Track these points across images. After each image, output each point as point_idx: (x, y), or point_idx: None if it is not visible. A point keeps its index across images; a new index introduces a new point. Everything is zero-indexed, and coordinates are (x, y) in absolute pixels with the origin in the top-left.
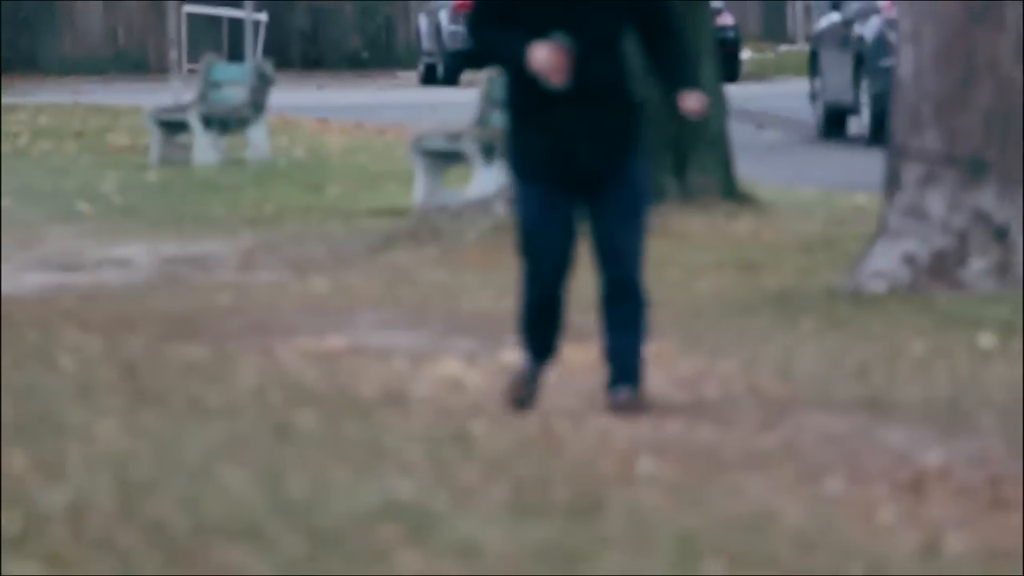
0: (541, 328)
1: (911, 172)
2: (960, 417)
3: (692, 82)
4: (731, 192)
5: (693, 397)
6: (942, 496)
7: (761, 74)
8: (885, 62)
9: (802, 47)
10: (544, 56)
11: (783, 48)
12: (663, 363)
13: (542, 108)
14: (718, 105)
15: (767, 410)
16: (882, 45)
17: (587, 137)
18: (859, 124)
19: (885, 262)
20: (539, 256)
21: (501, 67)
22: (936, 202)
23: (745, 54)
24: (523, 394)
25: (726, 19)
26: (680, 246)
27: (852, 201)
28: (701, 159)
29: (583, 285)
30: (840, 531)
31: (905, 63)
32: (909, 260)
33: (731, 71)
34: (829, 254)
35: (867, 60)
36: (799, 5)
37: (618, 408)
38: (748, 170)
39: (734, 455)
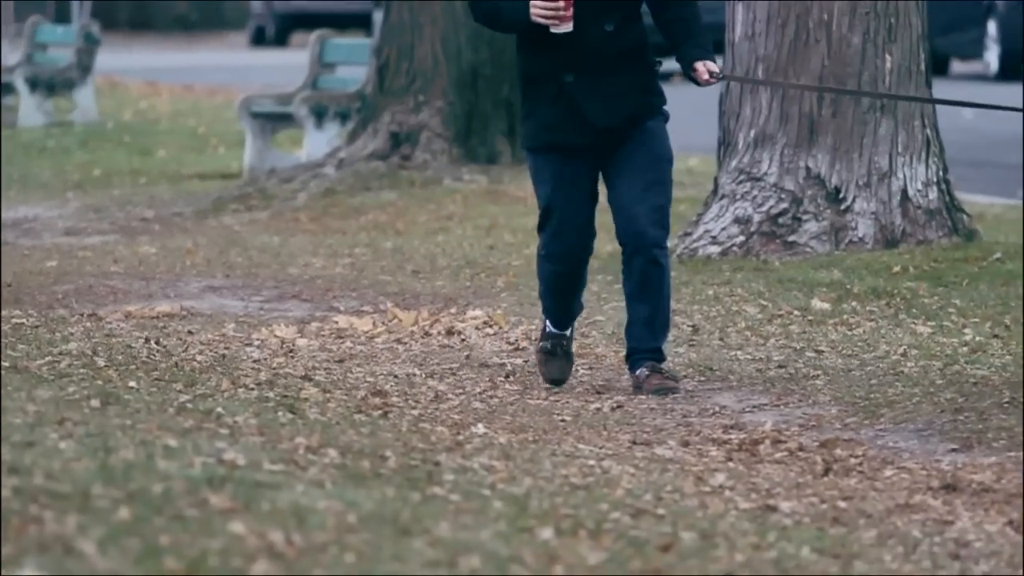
0: (564, 300)
1: (744, 134)
2: (793, 381)
3: (706, 52)
4: None
5: (526, 362)
6: (775, 460)
7: None
8: None
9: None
10: (542, 3)
11: None
12: (497, 329)
13: (552, 76)
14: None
15: (600, 374)
16: None
17: (600, 100)
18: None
19: (718, 225)
20: (560, 230)
21: (508, 33)
22: (769, 164)
23: None
24: (557, 373)
25: None
26: (513, 210)
27: (686, 164)
28: None
29: (402, 244)
30: (673, 496)
31: (738, 25)
32: (742, 223)
33: None
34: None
35: None
36: None
37: (643, 383)
38: None
39: (567, 420)
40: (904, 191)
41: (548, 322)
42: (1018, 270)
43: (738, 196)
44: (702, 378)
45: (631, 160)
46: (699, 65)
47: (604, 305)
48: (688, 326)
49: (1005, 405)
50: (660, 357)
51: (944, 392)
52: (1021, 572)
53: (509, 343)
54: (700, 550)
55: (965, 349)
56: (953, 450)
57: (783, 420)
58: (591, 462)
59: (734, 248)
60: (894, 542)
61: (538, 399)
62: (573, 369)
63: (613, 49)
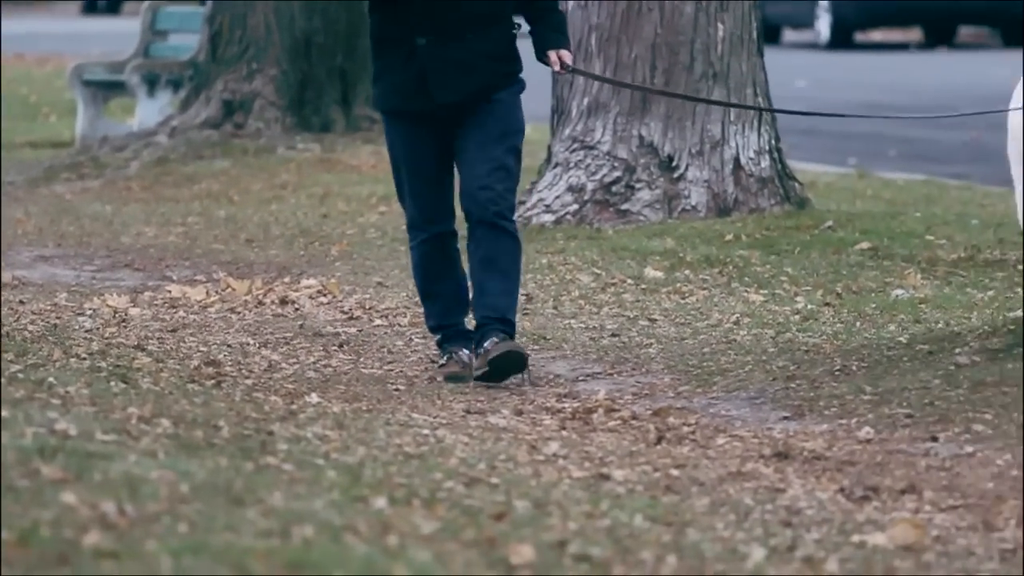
0: (440, 285)
1: (577, 103)
2: (626, 350)
3: (561, 38)
4: None
5: (360, 331)
6: (608, 429)
7: None
8: None
9: None
10: None
11: None
12: (331, 297)
13: (405, 38)
14: None
15: (434, 344)
16: None
17: (450, 71)
18: None
19: (552, 193)
20: (416, 192)
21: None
22: (602, 133)
23: None
24: (458, 369)
25: None
26: (347, 178)
27: None
28: (368, 90)
29: (236, 213)
30: (507, 465)
31: None
32: (576, 191)
33: None
34: None
35: None
36: None
37: (493, 349)
38: None
39: (401, 389)
40: (736, 159)
41: (442, 351)
42: (849, 238)
43: (571, 164)
44: (536, 347)
45: (478, 133)
46: (552, 54)
47: None
48: (522, 295)
49: (836, 373)
50: (511, 332)
51: (776, 360)
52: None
53: (343, 312)
54: (533, 519)
55: (797, 317)
56: (785, 418)
57: (616, 389)
58: (425, 431)
59: (568, 216)
60: (726, 510)
61: (372, 368)
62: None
63: (470, 11)
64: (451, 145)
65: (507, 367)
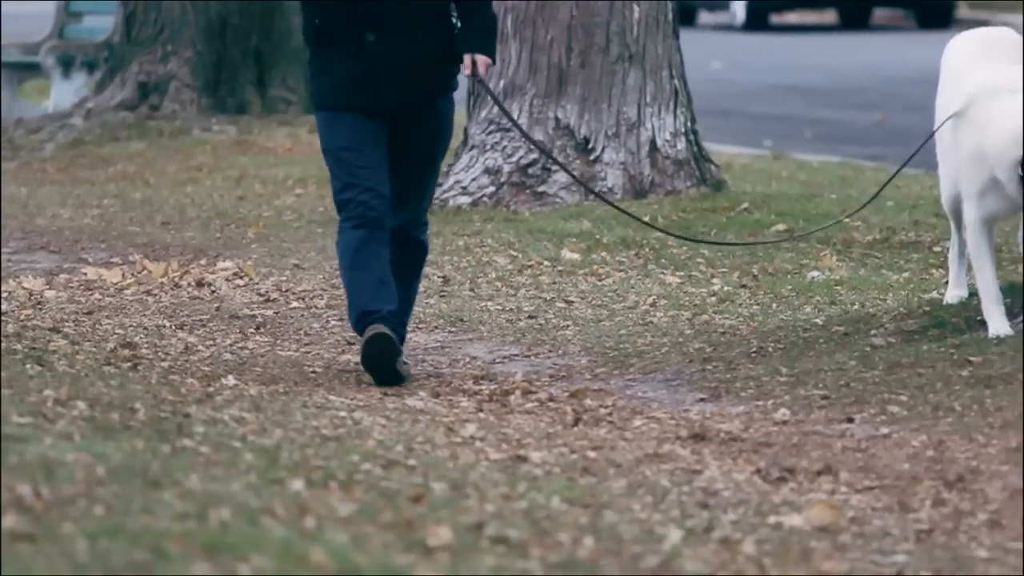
0: (368, 271)
1: (493, 85)
2: (543, 332)
3: (483, 42)
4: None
5: (277, 313)
6: (525, 411)
7: None
8: None
9: None
10: None
11: None
12: (247, 280)
13: (352, 33)
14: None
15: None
16: None
17: (398, 73)
18: None
19: (469, 175)
20: (356, 177)
21: None
22: (519, 115)
23: None
24: (384, 363)
25: None
26: (263, 161)
27: None
28: (284, 72)
29: (152, 195)
30: (424, 447)
31: None
32: (492, 173)
33: None
34: None
35: None
36: None
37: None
38: None
39: (318, 371)
40: (653, 141)
41: (364, 323)
42: (765, 220)
43: (488, 147)
44: (453, 329)
45: (417, 141)
46: (467, 58)
47: None
48: (439, 277)
49: (753, 355)
50: (403, 334)
51: (693, 342)
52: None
53: (259, 294)
54: (451, 500)
55: (713, 299)
56: (701, 399)
57: (533, 370)
58: (342, 413)
59: (484, 199)
60: (643, 491)
61: (289, 351)
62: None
63: (416, 10)
64: (389, 133)
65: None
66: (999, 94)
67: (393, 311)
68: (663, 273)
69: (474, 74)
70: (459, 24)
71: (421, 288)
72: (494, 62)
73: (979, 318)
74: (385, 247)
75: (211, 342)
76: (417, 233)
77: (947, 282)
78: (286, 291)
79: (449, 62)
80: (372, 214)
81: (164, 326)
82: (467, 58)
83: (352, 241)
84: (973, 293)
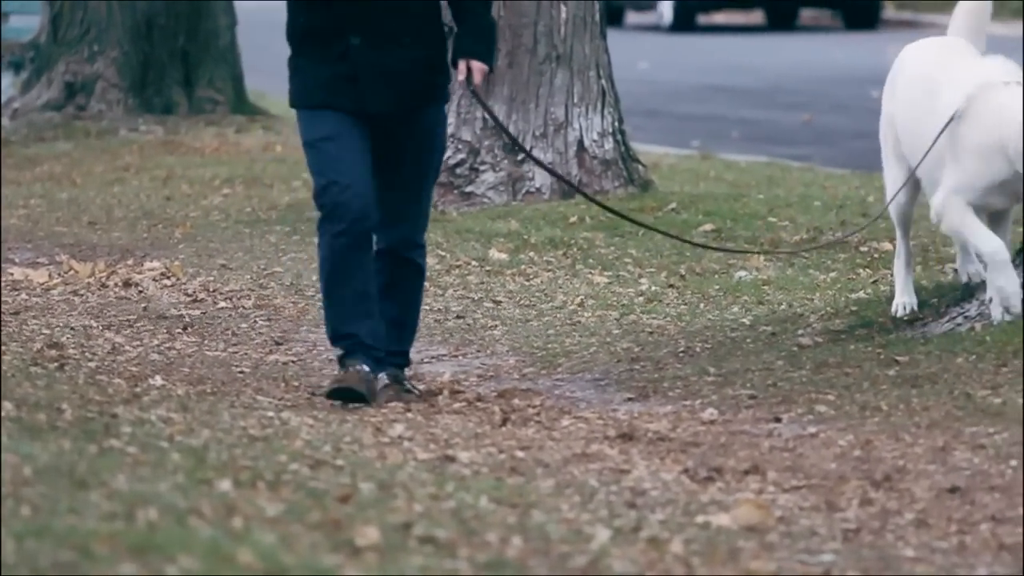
0: (349, 287)
1: None
2: (471, 332)
3: (479, 48)
4: (242, 105)
5: (204, 313)
6: (453, 411)
7: None
8: None
9: None
10: None
11: None
12: (174, 280)
13: (337, 34)
14: (228, 16)
15: (279, 326)
16: None
17: (384, 78)
18: None
19: None
20: (338, 181)
21: None
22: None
23: None
24: (358, 386)
25: None
26: (190, 161)
27: None
28: (210, 72)
29: (78, 195)
30: (352, 447)
31: None
32: None
33: None
34: None
35: None
36: None
37: (379, 394)
38: (259, 83)
39: (246, 371)
40: (580, 142)
41: (339, 346)
42: (693, 220)
43: None
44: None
45: (405, 153)
46: (462, 64)
47: (282, 256)
48: None
49: (680, 354)
50: (405, 362)
51: (620, 342)
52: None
53: (187, 294)
54: (379, 500)
55: (641, 299)
56: (629, 399)
57: (461, 370)
58: (270, 413)
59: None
60: (571, 491)
61: (216, 351)
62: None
63: (404, 13)
64: (375, 143)
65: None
66: (1009, 86)
67: (371, 331)
68: (591, 273)
69: (468, 82)
70: (455, 28)
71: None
72: (492, 70)
73: (906, 318)
74: (367, 254)
75: (138, 342)
76: (413, 255)
77: (876, 282)
78: (213, 291)
79: (438, 71)
80: (352, 216)
81: (91, 326)
82: (462, 64)
83: (331, 251)
84: (923, 302)
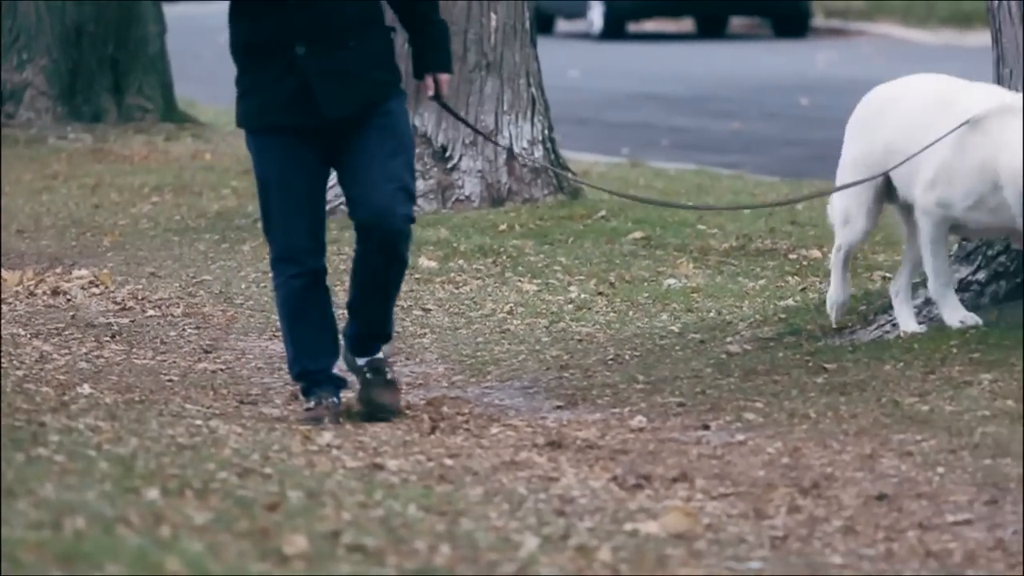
0: (309, 326)
1: None
2: (400, 339)
3: (442, 59)
4: (171, 113)
5: (132, 321)
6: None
7: None
8: None
9: None
10: None
11: None
12: (103, 288)
13: (280, 46)
14: (158, 24)
15: (208, 334)
16: None
17: (334, 80)
18: None
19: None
20: (288, 217)
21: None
22: None
23: None
24: (330, 419)
25: None
26: (119, 169)
27: None
28: (140, 80)
29: (7, 204)
30: (280, 455)
31: None
32: None
33: None
34: None
35: None
36: None
37: (371, 400)
38: (189, 90)
39: (174, 379)
40: (510, 149)
41: (300, 386)
42: (622, 227)
43: None
44: None
45: (373, 148)
46: (428, 79)
47: (212, 264)
48: None
49: (609, 362)
50: (388, 337)
51: (550, 349)
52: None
53: (115, 303)
54: (307, 509)
55: (570, 307)
56: (558, 407)
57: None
58: (198, 422)
59: (341, 206)
60: (500, 499)
61: (145, 359)
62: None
63: (348, 16)
64: (330, 163)
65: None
66: (1016, 113)
67: (334, 361)
68: (520, 281)
69: (437, 95)
70: (410, 41)
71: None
72: (452, 73)
73: (835, 326)
74: (324, 290)
75: (66, 351)
76: (399, 247)
77: (805, 290)
78: (142, 299)
79: (387, 69)
80: (304, 256)
81: (19, 335)
82: (428, 79)
83: (288, 292)
84: (851, 309)
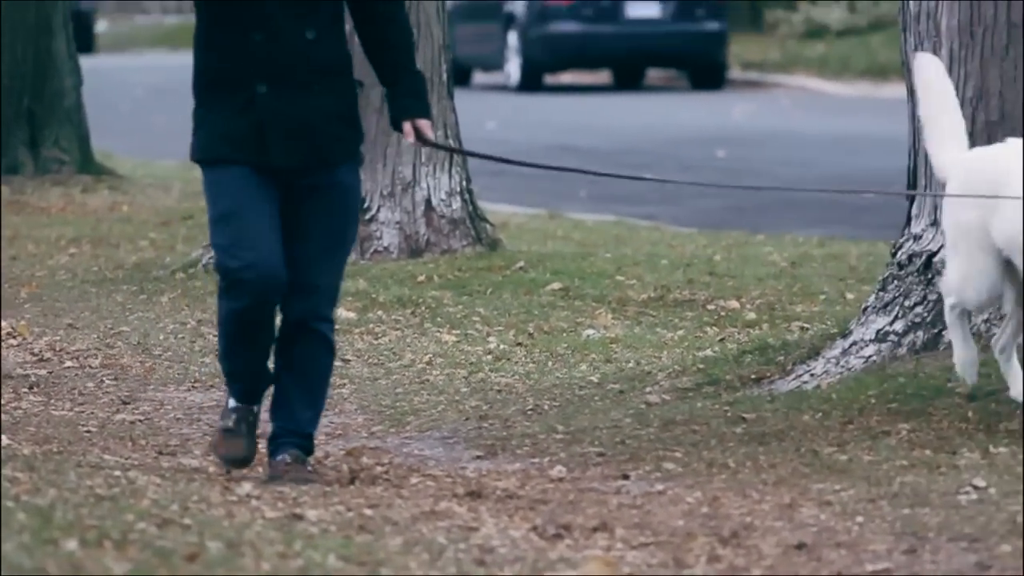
0: (250, 355)
1: None
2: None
3: (419, 104)
4: (88, 165)
5: (50, 373)
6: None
7: (117, 45)
8: None
9: (158, 19)
10: None
11: (139, 20)
12: (20, 339)
13: (242, 83)
14: (74, 77)
15: (126, 385)
16: None
17: (291, 128)
18: None
19: None
20: (242, 244)
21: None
22: None
23: (100, 26)
24: (241, 452)
25: None
26: (36, 221)
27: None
28: (56, 132)
29: None
30: (199, 505)
31: None
32: None
33: (86, 43)
34: (187, 227)
35: None
36: None
37: (283, 474)
38: (106, 143)
39: (93, 430)
40: (428, 201)
41: (231, 396)
42: (541, 278)
43: None
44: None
45: (315, 218)
46: (407, 126)
47: (129, 315)
48: (213, 336)
49: (529, 412)
50: (309, 447)
51: (469, 400)
52: None
53: (33, 354)
54: (226, 559)
55: (489, 357)
56: (478, 457)
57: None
58: (117, 473)
59: None
60: (420, 549)
61: (63, 410)
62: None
63: (315, 61)
64: (284, 204)
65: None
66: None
67: (287, 428)
68: (439, 331)
69: (419, 138)
70: (387, 93)
71: (196, 348)
72: (431, 119)
73: (753, 376)
74: (269, 329)
75: None
76: (320, 327)
77: (723, 340)
78: (60, 351)
79: (348, 124)
80: (255, 294)
81: None
82: (407, 126)
83: (230, 324)
84: (769, 359)
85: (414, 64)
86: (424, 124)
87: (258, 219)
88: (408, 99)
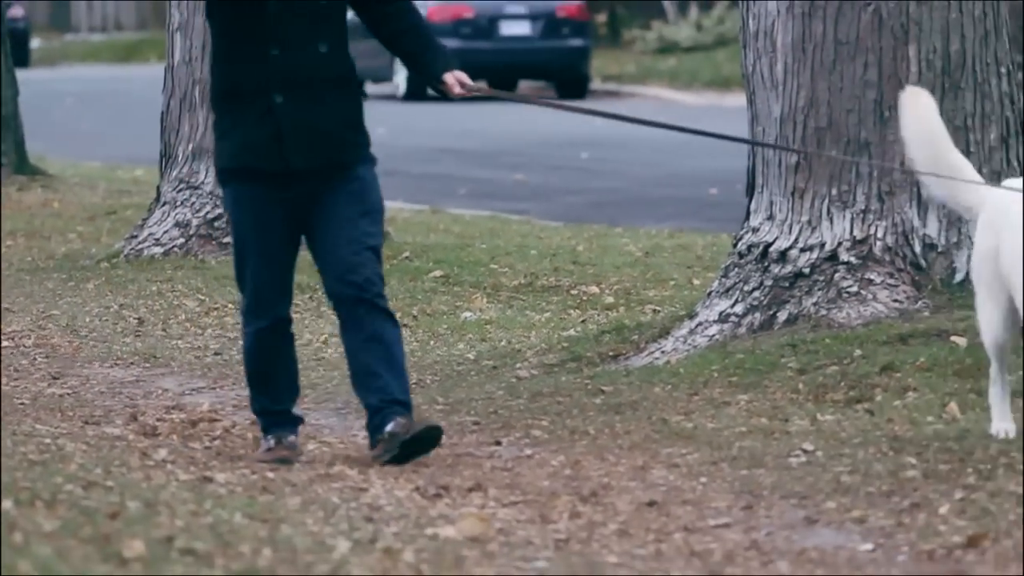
0: (273, 371)
1: (183, 148)
2: (227, 366)
3: (449, 61)
4: (23, 166)
5: None
6: (211, 436)
7: (49, 60)
8: None
9: (85, 36)
10: None
11: (68, 37)
12: None
13: (260, 94)
14: (11, 88)
15: (56, 363)
16: None
17: (306, 133)
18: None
19: (161, 228)
20: (259, 267)
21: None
22: (205, 175)
23: (34, 43)
24: (289, 457)
25: (16, 11)
26: None
27: (132, 174)
28: None
29: None
30: (120, 469)
31: (176, 51)
32: (182, 226)
33: (21, 57)
34: (111, 222)
35: None
36: (82, 4)
37: (406, 432)
38: (40, 147)
39: (26, 403)
40: None
41: (266, 435)
42: (424, 267)
43: (178, 203)
44: (147, 364)
45: (341, 211)
46: (448, 77)
47: (59, 300)
48: (134, 318)
49: (413, 386)
50: (409, 410)
51: None
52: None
53: None
54: (144, 517)
55: None
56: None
57: (218, 401)
58: (47, 440)
59: (175, 249)
60: (316, 507)
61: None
62: None
63: (327, 72)
64: (303, 218)
65: (419, 447)
66: None
67: (385, 399)
68: (333, 314)
69: (464, 87)
70: (417, 56)
71: (118, 329)
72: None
73: (611, 353)
74: (289, 341)
75: None
76: (378, 302)
77: (585, 321)
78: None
79: (357, 130)
80: (274, 312)
81: None
82: (450, 77)
83: (256, 343)
84: (625, 338)
85: (431, 31)
86: (462, 75)
87: (269, 239)
88: (443, 58)
